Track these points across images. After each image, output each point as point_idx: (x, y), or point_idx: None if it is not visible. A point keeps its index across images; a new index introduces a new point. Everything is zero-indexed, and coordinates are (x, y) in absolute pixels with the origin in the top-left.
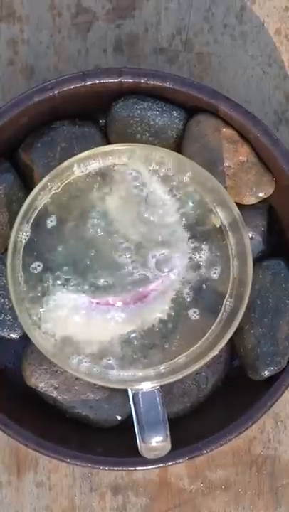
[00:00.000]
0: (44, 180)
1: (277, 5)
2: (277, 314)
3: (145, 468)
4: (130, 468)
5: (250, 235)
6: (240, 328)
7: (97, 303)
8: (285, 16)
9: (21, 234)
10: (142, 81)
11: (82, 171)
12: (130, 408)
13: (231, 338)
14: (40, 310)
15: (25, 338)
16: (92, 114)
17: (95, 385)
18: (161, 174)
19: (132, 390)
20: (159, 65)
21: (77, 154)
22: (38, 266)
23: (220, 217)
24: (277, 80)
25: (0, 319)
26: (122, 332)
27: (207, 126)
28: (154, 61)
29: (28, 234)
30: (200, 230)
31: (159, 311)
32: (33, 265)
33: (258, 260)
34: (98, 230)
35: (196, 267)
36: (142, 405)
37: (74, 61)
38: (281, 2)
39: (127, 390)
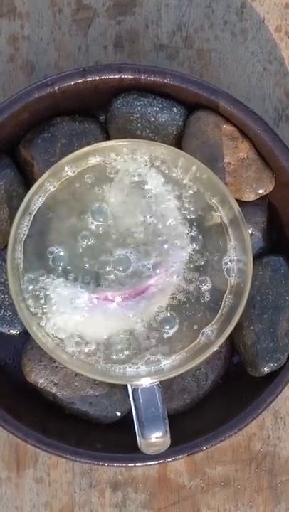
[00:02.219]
0: (44, 176)
1: (278, 2)
2: (276, 311)
3: (145, 464)
4: (130, 465)
5: (250, 232)
6: (240, 325)
7: (97, 298)
8: (285, 12)
9: (21, 230)
10: (142, 77)
11: (83, 167)
12: (130, 404)
13: (231, 334)
14: (40, 306)
15: (25, 334)
16: (92, 110)
17: (94, 380)
18: (162, 170)
19: (131, 386)
20: (160, 61)
21: (77, 150)
22: (38, 262)
23: (220, 213)
24: (278, 76)
25: (0, 315)
26: (121, 327)
27: (207, 123)
28: (154, 57)
29: (28, 230)
30: (200, 227)
31: (158, 306)
32: (33, 261)
33: (257, 257)
34: (98, 225)
35: (195, 263)
36: (141, 401)
37: (74, 57)
38: None
39: (126, 386)
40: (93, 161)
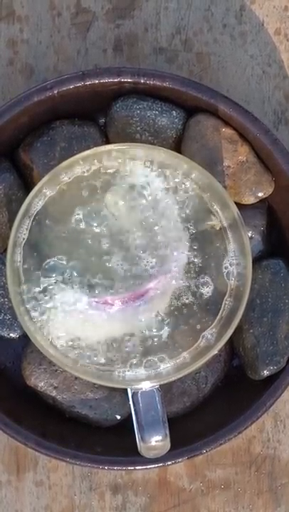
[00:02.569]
0: (44, 179)
1: (277, 5)
2: (276, 314)
3: (144, 467)
4: (130, 468)
5: (249, 235)
6: (240, 328)
7: (96, 302)
8: (284, 15)
9: (21, 233)
10: (142, 81)
11: (82, 171)
12: (130, 407)
13: (231, 337)
14: (39, 309)
15: (24, 338)
16: (91, 113)
17: (94, 384)
18: (161, 174)
19: (131, 390)
20: (159, 64)
21: (76, 154)
22: (37, 265)
23: (219, 217)
24: (277, 79)
25: (0, 318)
26: (120, 331)
27: (207, 126)
28: (153, 61)
29: (28, 233)
30: (199, 230)
31: (157, 310)
32: (33, 264)
33: (257, 260)
34: (97, 230)
35: (195, 266)
36: (141, 405)
37: (73, 61)
38: (281, 2)
39: (126, 390)
40: (92, 165)
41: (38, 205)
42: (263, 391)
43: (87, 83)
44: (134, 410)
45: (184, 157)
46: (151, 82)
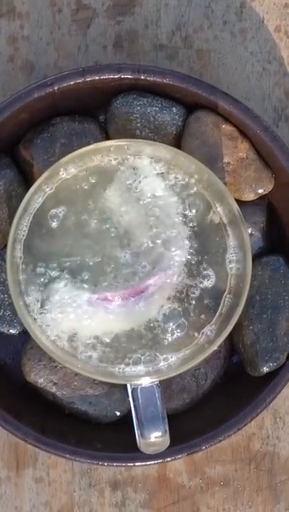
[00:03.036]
0: (44, 175)
1: (277, 2)
2: (276, 310)
3: (144, 463)
4: (129, 464)
5: (249, 232)
6: (240, 324)
7: (96, 298)
8: (284, 12)
9: (21, 230)
10: (142, 77)
11: (82, 167)
12: (129, 403)
13: (230, 334)
14: (39, 305)
15: (24, 334)
16: (91, 110)
17: (94, 380)
18: (161, 170)
19: (131, 386)
20: (159, 61)
21: (76, 150)
22: (37, 261)
23: (219, 213)
24: (277, 76)
25: None
26: (120, 327)
27: (207, 123)
28: (153, 57)
29: (28, 229)
30: (199, 227)
31: (157, 306)
32: (32, 260)
33: (257, 256)
34: (96, 225)
35: (194, 262)
36: (140, 401)
37: (74, 57)
38: None
39: (126, 386)
40: (93, 161)
41: (38, 201)
42: (262, 388)
43: (88, 79)
44: (134, 406)
45: (184, 153)
46: (152, 79)
